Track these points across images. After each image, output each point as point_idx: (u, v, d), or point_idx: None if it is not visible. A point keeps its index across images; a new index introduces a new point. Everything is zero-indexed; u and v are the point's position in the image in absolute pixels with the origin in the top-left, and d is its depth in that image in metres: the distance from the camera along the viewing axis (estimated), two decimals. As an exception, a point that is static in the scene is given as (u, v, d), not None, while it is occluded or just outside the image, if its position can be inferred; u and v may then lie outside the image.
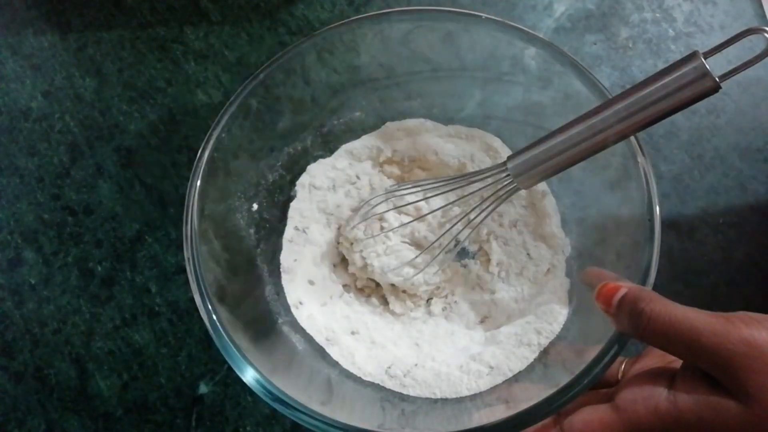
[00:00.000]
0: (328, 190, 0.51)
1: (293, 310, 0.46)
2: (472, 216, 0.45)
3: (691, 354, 0.31)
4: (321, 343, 0.45)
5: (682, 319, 0.31)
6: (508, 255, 0.48)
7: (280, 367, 0.41)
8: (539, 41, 0.44)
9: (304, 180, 0.50)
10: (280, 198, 0.50)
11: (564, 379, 0.36)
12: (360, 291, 0.50)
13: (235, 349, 0.38)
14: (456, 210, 0.49)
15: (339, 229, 0.50)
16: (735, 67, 0.33)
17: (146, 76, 0.57)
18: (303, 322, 0.46)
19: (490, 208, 0.42)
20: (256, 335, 0.41)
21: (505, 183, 0.41)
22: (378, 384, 0.44)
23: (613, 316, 0.35)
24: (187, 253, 0.40)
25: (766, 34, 0.33)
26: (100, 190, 0.54)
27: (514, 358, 0.43)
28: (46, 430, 0.48)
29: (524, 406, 0.35)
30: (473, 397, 0.42)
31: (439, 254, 0.46)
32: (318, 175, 0.51)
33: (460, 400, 0.42)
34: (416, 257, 0.47)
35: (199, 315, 0.39)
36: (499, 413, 0.36)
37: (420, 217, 0.48)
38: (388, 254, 0.47)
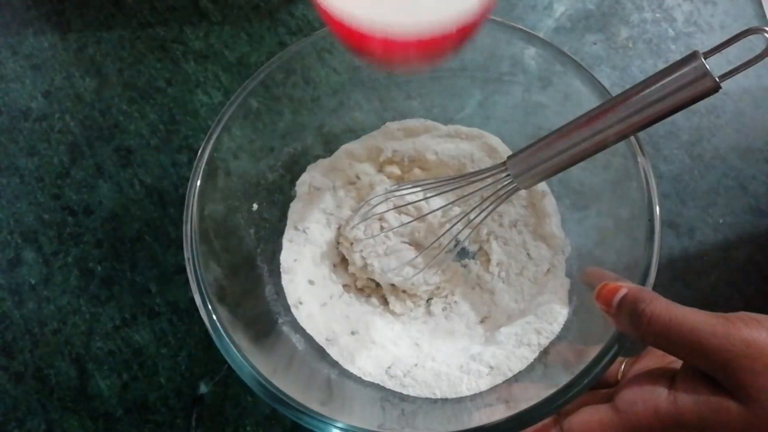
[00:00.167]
0: (328, 190, 0.51)
1: (293, 310, 0.46)
2: (472, 216, 0.45)
3: (692, 354, 0.31)
4: (321, 343, 0.45)
5: (682, 319, 0.31)
6: (508, 255, 0.48)
7: (280, 367, 0.41)
8: (539, 41, 0.44)
9: (304, 180, 0.50)
10: (280, 198, 0.50)
11: (564, 379, 0.36)
12: (360, 291, 0.50)
13: (235, 349, 0.38)
14: (456, 210, 0.49)
15: (339, 229, 0.50)
16: (735, 67, 0.33)
17: (146, 76, 0.57)
18: (303, 322, 0.46)
19: (490, 208, 0.42)
20: (256, 335, 0.41)
21: (505, 183, 0.41)
22: (378, 384, 0.44)
23: (613, 316, 0.35)
24: (187, 253, 0.40)
25: (766, 34, 0.33)
26: (100, 190, 0.54)
27: (514, 358, 0.43)
28: (46, 430, 0.48)
29: (524, 406, 0.35)
30: (473, 397, 0.42)
31: (439, 254, 0.46)
32: (318, 175, 0.51)
33: (460, 400, 0.42)
34: (416, 257, 0.47)
35: (199, 315, 0.39)
36: (499, 413, 0.36)
37: (420, 217, 0.48)
38: (388, 254, 0.47)
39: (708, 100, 0.34)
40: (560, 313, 0.44)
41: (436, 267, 0.47)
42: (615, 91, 0.38)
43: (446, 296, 0.49)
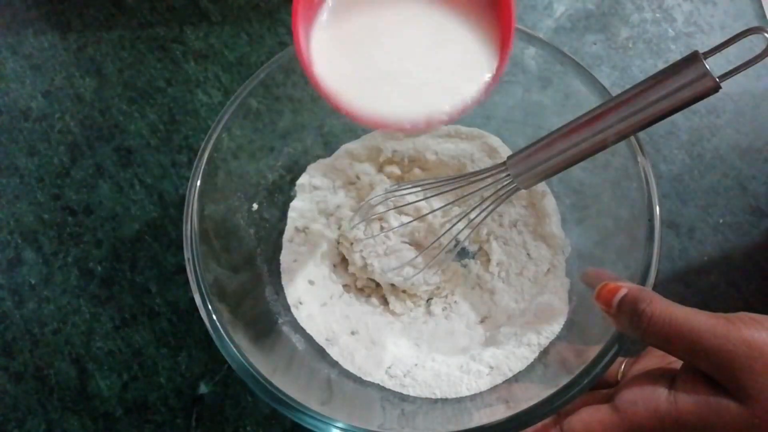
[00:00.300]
0: (328, 190, 0.51)
1: (293, 310, 0.46)
2: (472, 216, 0.45)
3: (692, 355, 0.31)
4: (321, 343, 0.45)
5: (682, 319, 0.31)
6: (508, 255, 0.48)
7: (280, 367, 0.41)
8: (539, 41, 0.44)
9: (304, 180, 0.50)
10: (280, 198, 0.50)
11: (564, 379, 0.36)
12: (360, 291, 0.50)
13: (235, 349, 0.38)
14: (456, 210, 0.49)
15: (339, 229, 0.50)
16: (735, 67, 0.33)
17: (146, 76, 0.57)
18: (303, 322, 0.46)
19: (490, 208, 0.42)
20: (256, 335, 0.41)
21: (505, 183, 0.41)
22: (378, 384, 0.44)
23: (614, 316, 0.35)
24: (187, 253, 0.40)
25: (766, 34, 0.33)
26: (100, 190, 0.54)
27: (514, 358, 0.43)
28: (46, 430, 0.48)
29: (524, 406, 0.35)
30: (473, 397, 0.42)
31: (439, 254, 0.46)
32: (318, 175, 0.51)
33: (460, 400, 0.42)
34: (416, 257, 0.47)
35: (199, 315, 0.39)
36: (499, 413, 0.36)
37: (420, 217, 0.48)
38: (388, 254, 0.47)
39: (708, 100, 0.34)
40: (560, 313, 0.44)
41: (436, 267, 0.47)
42: (615, 91, 0.38)
43: (446, 296, 0.49)
